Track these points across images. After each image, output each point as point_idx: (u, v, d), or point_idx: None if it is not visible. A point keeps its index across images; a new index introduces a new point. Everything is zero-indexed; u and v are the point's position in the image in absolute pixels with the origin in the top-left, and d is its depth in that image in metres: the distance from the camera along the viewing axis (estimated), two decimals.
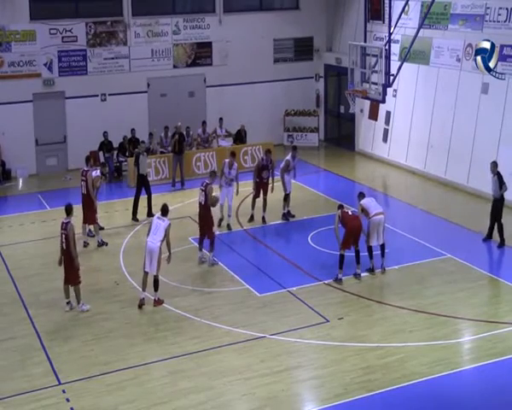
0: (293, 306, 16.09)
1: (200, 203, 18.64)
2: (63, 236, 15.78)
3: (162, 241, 16.04)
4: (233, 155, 21.09)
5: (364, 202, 17.79)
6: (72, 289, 16.03)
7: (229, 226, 20.64)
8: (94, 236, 19.95)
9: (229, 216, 20.70)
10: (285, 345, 14.43)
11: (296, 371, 13.60)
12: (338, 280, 17.12)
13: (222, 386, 13.07)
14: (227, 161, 20.71)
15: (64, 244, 15.78)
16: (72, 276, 15.92)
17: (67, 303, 16.07)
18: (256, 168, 21.41)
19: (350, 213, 17.56)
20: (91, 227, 20.11)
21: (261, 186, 21.17)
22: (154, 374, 13.48)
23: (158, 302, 16.23)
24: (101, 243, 19.72)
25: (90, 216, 19.68)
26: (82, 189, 19.78)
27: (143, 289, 16.27)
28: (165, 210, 16.45)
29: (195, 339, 14.69)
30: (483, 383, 13.24)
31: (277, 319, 15.50)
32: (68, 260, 15.81)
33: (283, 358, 13.95)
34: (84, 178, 19.70)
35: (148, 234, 16.31)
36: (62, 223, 15.91)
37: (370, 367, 13.51)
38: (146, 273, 16.24)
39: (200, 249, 18.52)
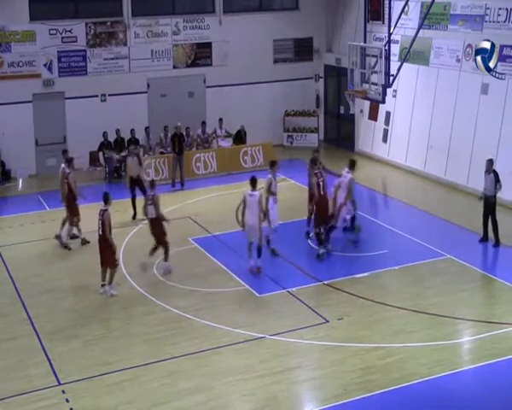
0: (293, 306, 16.09)
1: (150, 219, 17.82)
2: (100, 222, 16.59)
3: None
4: (274, 164, 19.07)
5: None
6: (108, 272, 16.75)
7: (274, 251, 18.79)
8: (77, 237, 19.99)
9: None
10: (285, 345, 14.43)
11: (296, 371, 13.61)
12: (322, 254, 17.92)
13: (222, 386, 13.07)
14: (270, 176, 18.77)
15: (100, 230, 16.59)
16: (108, 259, 16.64)
17: (102, 286, 16.73)
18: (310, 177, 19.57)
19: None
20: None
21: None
22: (153, 374, 13.48)
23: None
24: (66, 246, 19.61)
25: (73, 215, 19.72)
26: (66, 191, 19.68)
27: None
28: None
29: (195, 339, 14.69)
30: (483, 384, 13.23)
31: (277, 319, 15.50)
32: (104, 244, 16.57)
33: (283, 358, 13.95)
34: (66, 181, 19.66)
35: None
36: (100, 210, 16.71)
37: (370, 368, 13.51)
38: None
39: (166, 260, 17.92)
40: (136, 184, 21.76)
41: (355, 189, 19.16)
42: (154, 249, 17.79)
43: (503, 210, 20.22)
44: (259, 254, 17.56)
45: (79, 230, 19.83)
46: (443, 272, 17.66)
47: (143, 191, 21.20)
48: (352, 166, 18.98)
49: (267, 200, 18.21)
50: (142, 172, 22.35)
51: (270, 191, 18.47)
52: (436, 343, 14.33)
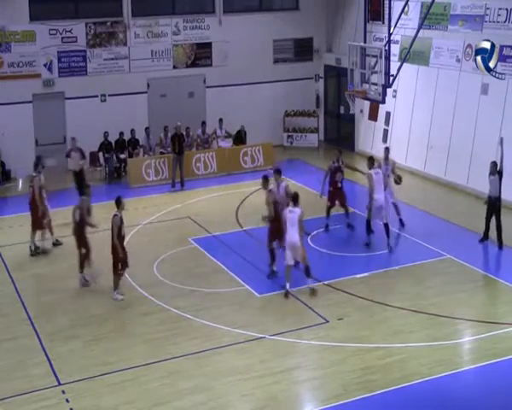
0: (293, 306, 16.09)
1: (75, 223, 17.39)
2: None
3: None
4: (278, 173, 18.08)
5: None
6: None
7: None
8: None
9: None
10: (285, 346, 14.43)
11: (296, 371, 13.61)
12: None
13: (222, 386, 13.07)
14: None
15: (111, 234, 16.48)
16: (113, 265, 16.49)
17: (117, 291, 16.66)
18: (327, 172, 20.12)
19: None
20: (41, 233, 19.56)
21: (336, 193, 20.08)
22: (154, 374, 13.48)
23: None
24: (35, 253, 19.20)
25: (37, 221, 19.27)
26: (30, 195, 19.42)
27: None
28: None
29: (195, 339, 14.69)
30: (483, 384, 13.24)
31: (277, 319, 15.50)
32: (112, 249, 16.42)
33: (283, 358, 13.95)
34: (31, 184, 19.42)
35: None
36: (113, 215, 16.51)
37: (370, 368, 13.51)
38: None
39: (81, 272, 17.45)
40: (78, 177, 21.35)
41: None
42: (83, 262, 17.32)
43: (503, 211, 20.18)
44: (308, 274, 16.47)
45: (33, 238, 19.34)
46: (443, 272, 17.66)
47: (81, 188, 20.34)
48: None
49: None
50: (84, 166, 22.17)
51: (275, 200, 17.73)
52: (436, 343, 14.33)
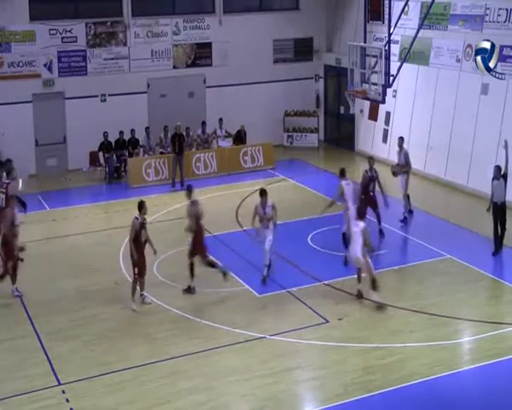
0: (293, 306, 16.09)
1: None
2: None
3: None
4: (263, 193, 17.41)
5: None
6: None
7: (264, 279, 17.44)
8: None
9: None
10: (285, 345, 14.43)
11: (296, 371, 13.60)
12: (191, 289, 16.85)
13: (222, 386, 13.07)
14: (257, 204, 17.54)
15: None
16: (132, 268, 16.18)
17: (141, 295, 16.32)
18: (362, 183, 19.70)
19: None
20: None
21: (367, 200, 19.54)
22: (153, 374, 13.47)
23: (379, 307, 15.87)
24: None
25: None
26: (1, 201, 18.84)
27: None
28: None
29: (195, 339, 14.69)
30: (483, 384, 13.23)
31: (277, 319, 15.50)
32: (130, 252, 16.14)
33: (283, 358, 13.94)
34: (3, 190, 18.96)
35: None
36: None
37: (370, 368, 13.51)
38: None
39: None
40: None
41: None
42: (14, 273, 16.68)
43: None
44: (374, 287, 15.98)
45: None
46: (443, 272, 17.66)
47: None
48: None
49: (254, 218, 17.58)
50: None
51: (260, 217, 17.48)
52: (436, 343, 14.33)
